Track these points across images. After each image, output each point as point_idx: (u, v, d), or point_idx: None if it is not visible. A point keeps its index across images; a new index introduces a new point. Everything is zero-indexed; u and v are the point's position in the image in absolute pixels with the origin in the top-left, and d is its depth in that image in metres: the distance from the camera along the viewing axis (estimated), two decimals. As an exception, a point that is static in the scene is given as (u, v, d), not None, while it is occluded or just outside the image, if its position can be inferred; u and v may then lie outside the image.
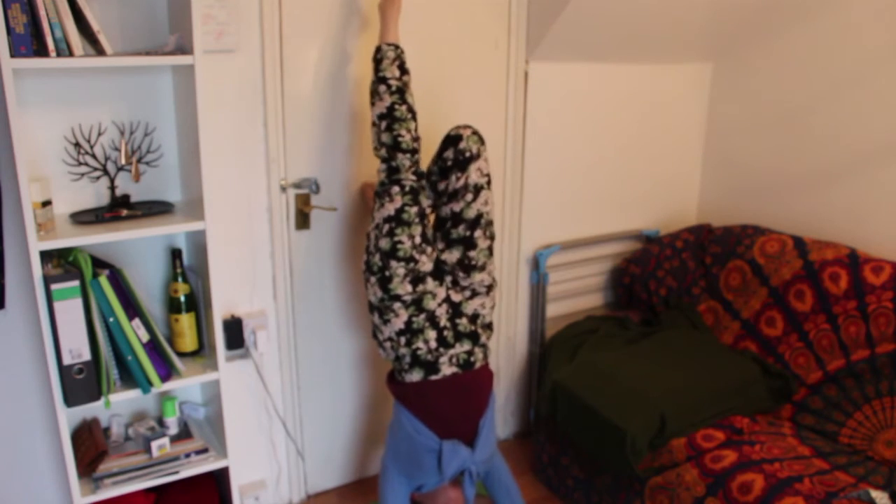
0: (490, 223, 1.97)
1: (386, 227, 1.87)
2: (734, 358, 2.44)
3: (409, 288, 1.87)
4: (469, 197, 1.92)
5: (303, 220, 2.32)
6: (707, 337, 2.60)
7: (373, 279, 1.90)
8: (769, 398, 2.33)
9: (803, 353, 2.38)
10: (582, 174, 2.86)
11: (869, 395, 2.18)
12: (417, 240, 1.88)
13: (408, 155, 1.90)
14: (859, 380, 2.22)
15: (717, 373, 2.34)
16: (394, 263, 1.86)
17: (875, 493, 1.76)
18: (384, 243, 1.87)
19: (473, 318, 1.96)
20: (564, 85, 2.70)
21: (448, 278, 1.95)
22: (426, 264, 1.90)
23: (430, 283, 1.90)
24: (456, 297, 1.94)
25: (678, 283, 2.78)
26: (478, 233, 1.94)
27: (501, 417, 2.98)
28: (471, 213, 1.93)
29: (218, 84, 2.07)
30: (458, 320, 1.92)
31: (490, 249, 1.97)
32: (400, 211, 1.87)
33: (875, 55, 2.43)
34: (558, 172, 2.80)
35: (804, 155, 2.71)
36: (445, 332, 1.90)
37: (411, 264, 1.87)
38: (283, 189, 2.26)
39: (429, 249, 1.92)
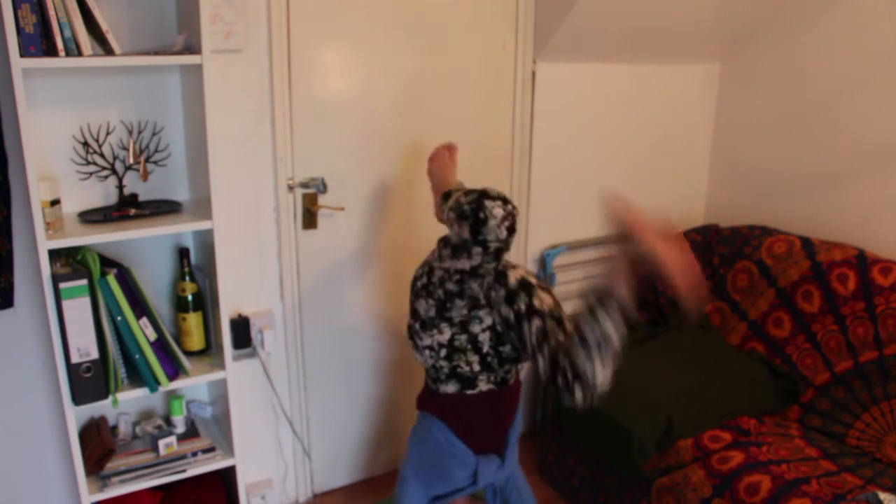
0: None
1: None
2: (741, 359, 2.43)
3: (464, 312, 1.77)
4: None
5: (310, 220, 2.32)
6: (714, 338, 2.59)
7: (431, 300, 1.80)
8: (776, 399, 2.33)
9: (811, 355, 2.37)
10: (589, 174, 2.86)
11: (877, 396, 2.17)
12: None
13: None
14: (867, 381, 2.21)
15: (724, 374, 2.33)
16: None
17: (883, 496, 1.75)
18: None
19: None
20: (572, 85, 2.70)
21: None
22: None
23: (482, 310, 1.77)
24: (501, 327, 1.79)
25: (685, 283, 2.77)
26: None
27: (507, 417, 2.98)
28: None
29: (226, 83, 2.07)
30: (501, 348, 1.79)
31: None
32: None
33: (883, 55, 2.42)
34: (565, 172, 2.79)
35: (812, 155, 2.70)
36: (489, 358, 1.79)
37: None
38: (291, 188, 2.26)
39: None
